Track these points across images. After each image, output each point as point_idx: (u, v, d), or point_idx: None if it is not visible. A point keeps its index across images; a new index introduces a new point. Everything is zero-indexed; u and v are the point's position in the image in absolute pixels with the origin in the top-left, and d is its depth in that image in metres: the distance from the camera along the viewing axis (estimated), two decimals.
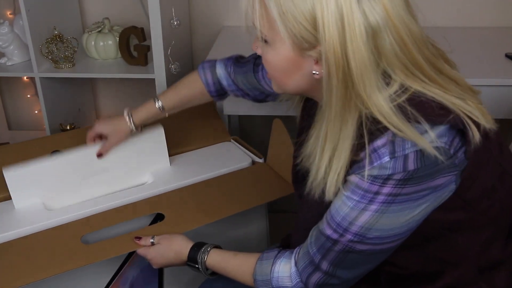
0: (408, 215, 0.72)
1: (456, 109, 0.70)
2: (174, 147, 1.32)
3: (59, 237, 1.05)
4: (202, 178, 1.23)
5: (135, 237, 1.04)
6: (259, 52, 0.79)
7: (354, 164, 0.72)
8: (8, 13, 1.83)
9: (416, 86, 0.71)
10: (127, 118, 1.15)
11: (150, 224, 1.13)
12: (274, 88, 0.85)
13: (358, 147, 0.71)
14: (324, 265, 0.78)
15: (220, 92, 1.18)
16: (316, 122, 0.76)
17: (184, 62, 1.74)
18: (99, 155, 1.16)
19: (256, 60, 1.12)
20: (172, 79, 1.58)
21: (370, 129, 0.70)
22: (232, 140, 1.39)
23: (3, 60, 1.64)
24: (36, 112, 2.01)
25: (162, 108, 1.16)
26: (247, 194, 1.20)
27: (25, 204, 1.12)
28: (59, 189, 1.13)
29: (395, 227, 0.73)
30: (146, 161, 1.22)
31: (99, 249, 1.02)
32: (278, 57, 0.75)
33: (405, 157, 0.68)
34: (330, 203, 0.77)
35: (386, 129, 0.69)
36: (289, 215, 1.01)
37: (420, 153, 0.68)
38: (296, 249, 0.84)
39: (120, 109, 1.17)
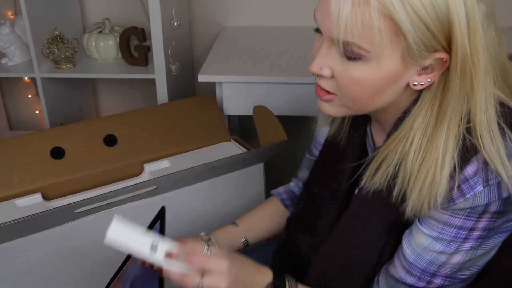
0: (496, 246, 0.69)
1: None
2: (174, 147, 1.33)
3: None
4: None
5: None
6: (325, 73, 0.67)
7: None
8: (9, 13, 1.83)
9: (498, 93, 0.66)
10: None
11: (154, 218, 1.13)
12: (337, 113, 0.72)
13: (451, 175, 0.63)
14: None
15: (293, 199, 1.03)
16: (404, 136, 0.67)
17: (185, 62, 1.74)
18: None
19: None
20: (172, 80, 1.58)
21: (462, 151, 0.63)
22: (232, 140, 1.39)
23: (4, 61, 1.64)
24: (37, 112, 2.01)
25: (236, 224, 0.98)
26: None
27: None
28: None
29: (484, 260, 0.70)
30: None
31: None
32: (379, 73, 0.64)
33: (498, 184, 0.63)
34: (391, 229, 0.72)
35: (475, 150, 0.63)
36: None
37: None
38: None
39: (120, 110, 1.16)
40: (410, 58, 0.62)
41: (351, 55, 0.63)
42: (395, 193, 0.68)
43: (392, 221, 0.72)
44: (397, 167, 0.67)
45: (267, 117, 1.27)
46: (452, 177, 0.63)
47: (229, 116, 1.50)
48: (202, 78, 1.40)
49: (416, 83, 0.65)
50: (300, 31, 1.76)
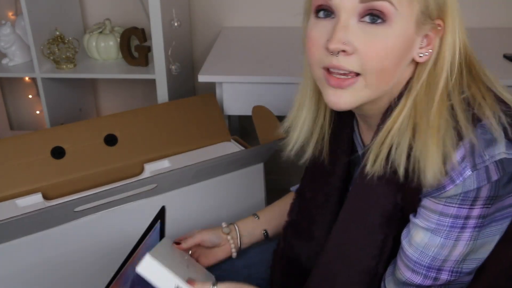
0: (496, 236, 0.69)
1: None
2: (174, 147, 1.33)
3: None
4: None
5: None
6: (349, 47, 0.64)
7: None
8: (10, 14, 1.84)
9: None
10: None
11: (154, 218, 1.13)
12: (356, 100, 0.69)
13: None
14: None
15: None
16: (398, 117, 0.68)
17: (185, 62, 1.74)
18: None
19: None
20: (173, 80, 1.59)
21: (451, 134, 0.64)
22: (232, 140, 1.39)
23: (5, 61, 1.65)
24: (37, 112, 2.02)
25: (257, 216, 1.03)
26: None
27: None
28: None
29: (485, 251, 0.69)
30: None
31: None
32: (401, 36, 0.65)
33: (486, 168, 0.63)
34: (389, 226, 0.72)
35: (461, 135, 0.64)
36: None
37: (499, 163, 0.63)
38: None
39: (121, 110, 1.16)
40: (421, 22, 0.65)
41: (379, 14, 0.63)
42: (401, 172, 0.67)
43: (391, 211, 0.72)
44: (400, 147, 0.67)
45: (267, 117, 1.27)
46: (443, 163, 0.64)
47: (229, 116, 1.50)
48: (202, 78, 1.40)
49: (421, 54, 0.67)
50: (300, 31, 1.76)
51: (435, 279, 0.70)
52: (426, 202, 0.68)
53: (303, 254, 0.89)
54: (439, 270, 0.69)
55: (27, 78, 1.94)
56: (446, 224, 0.67)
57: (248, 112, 1.39)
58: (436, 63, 0.67)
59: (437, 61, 0.67)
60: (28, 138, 1.22)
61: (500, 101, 0.68)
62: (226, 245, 0.99)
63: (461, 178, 0.64)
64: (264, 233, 1.01)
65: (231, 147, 1.36)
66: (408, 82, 0.70)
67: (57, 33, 1.56)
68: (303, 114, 0.81)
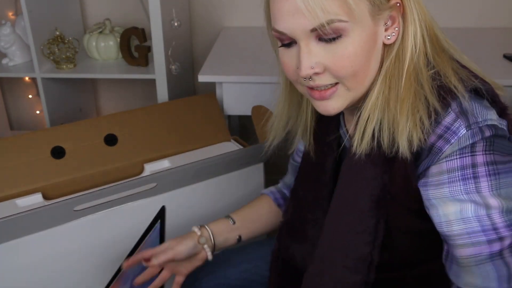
0: None
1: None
2: (174, 147, 1.33)
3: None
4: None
5: None
6: (318, 69, 0.69)
7: (425, 157, 0.68)
8: (10, 14, 1.84)
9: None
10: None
11: (154, 218, 1.13)
12: (343, 104, 0.72)
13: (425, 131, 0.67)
14: None
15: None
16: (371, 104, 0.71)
17: (185, 62, 1.74)
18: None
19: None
20: (173, 80, 1.59)
21: (435, 104, 0.66)
22: (232, 140, 1.39)
23: (5, 61, 1.65)
24: (37, 112, 2.02)
25: (232, 220, 0.99)
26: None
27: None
28: None
29: None
30: None
31: None
32: (361, 39, 0.68)
33: (480, 128, 0.65)
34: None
35: (447, 102, 0.67)
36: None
37: (493, 126, 0.66)
38: None
39: (121, 110, 1.15)
40: (376, 14, 0.67)
41: (334, 34, 0.66)
42: (385, 145, 0.69)
43: (379, 194, 0.73)
44: (381, 121, 0.70)
45: (266, 117, 1.27)
46: (433, 130, 0.67)
47: (229, 116, 1.50)
48: (202, 78, 1.40)
49: (389, 37, 0.70)
50: None
51: (500, 239, 0.65)
52: (431, 171, 0.68)
53: (297, 255, 0.89)
54: (495, 229, 0.65)
55: (27, 78, 1.94)
56: (457, 178, 0.66)
57: (248, 112, 1.39)
58: (403, 39, 0.70)
59: (403, 36, 0.70)
60: (28, 138, 1.22)
61: (463, 67, 0.72)
62: (202, 252, 0.95)
63: (456, 137, 0.66)
64: (238, 238, 0.99)
65: (231, 147, 1.36)
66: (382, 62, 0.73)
67: (57, 33, 1.56)
68: (283, 107, 0.87)
